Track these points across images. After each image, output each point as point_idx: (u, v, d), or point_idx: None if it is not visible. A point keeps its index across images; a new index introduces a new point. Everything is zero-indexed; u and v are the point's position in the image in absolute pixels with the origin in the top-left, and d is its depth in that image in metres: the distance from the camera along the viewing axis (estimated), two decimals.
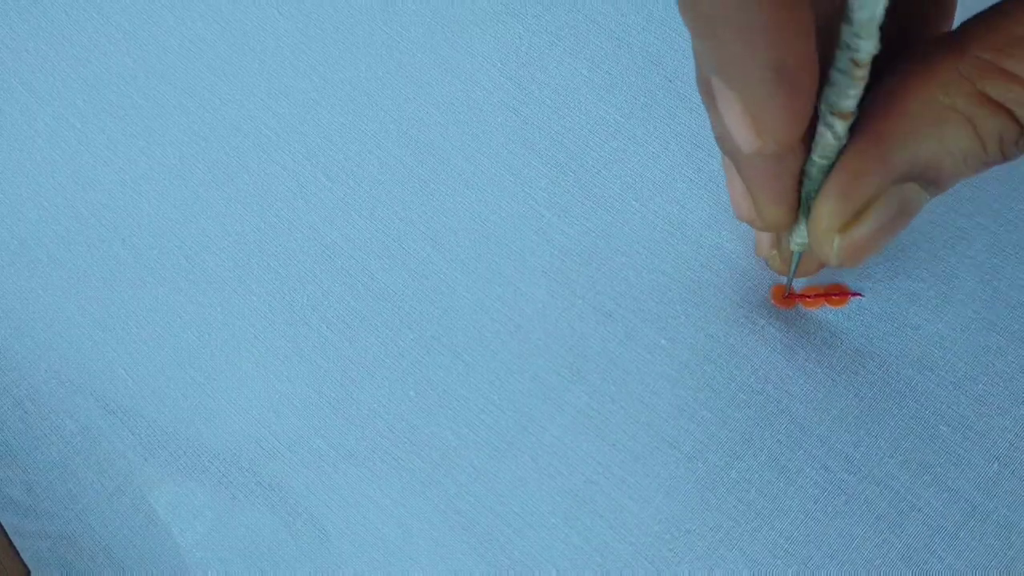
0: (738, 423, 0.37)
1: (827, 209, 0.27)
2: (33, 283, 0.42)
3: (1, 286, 0.42)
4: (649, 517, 0.36)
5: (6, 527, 0.39)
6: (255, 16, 0.46)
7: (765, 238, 0.36)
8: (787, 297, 0.38)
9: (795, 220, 0.31)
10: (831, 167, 0.27)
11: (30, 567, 0.38)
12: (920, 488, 0.35)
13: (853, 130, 0.26)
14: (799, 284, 0.38)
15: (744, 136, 0.25)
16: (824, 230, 0.28)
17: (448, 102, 0.43)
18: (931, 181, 0.26)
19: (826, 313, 0.38)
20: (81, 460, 0.39)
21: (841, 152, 0.27)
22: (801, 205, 0.30)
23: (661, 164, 0.41)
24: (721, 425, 0.37)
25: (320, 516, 0.37)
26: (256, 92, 0.44)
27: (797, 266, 0.35)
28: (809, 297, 0.38)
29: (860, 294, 0.38)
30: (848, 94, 0.25)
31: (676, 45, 0.42)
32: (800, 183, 0.29)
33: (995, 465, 0.35)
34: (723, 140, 0.29)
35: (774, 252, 0.36)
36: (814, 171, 0.28)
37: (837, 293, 0.38)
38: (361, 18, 0.45)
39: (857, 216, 0.27)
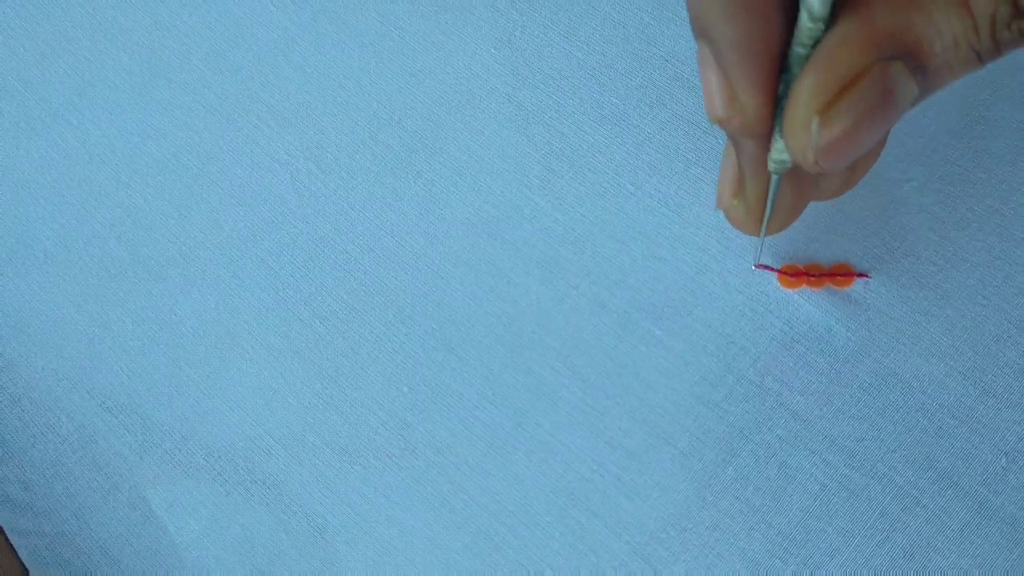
0: (736, 418, 0.35)
1: (807, 83, 0.25)
2: (29, 280, 0.42)
3: None
4: (645, 515, 0.35)
5: (3, 525, 0.39)
6: (248, 8, 0.45)
7: (727, 185, 0.33)
8: (760, 265, 0.37)
9: (773, 117, 0.27)
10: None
11: (27, 565, 0.38)
12: (925, 484, 0.34)
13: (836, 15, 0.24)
14: (768, 247, 0.37)
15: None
16: (803, 110, 0.25)
17: (441, 90, 0.42)
18: (918, 64, 0.24)
19: (829, 299, 0.36)
20: (78, 458, 0.39)
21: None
22: (779, 116, 0.27)
23: (657, 145, 0.40)
24: (718, 420, 0.36)
25: (315, 513, 0.37)
26: (249, 85, 0.44)
27: (770, 213, 0.32)
28: (813, 277, 0.37)
29: (866, 275, 0.37)
30: None
31: (672, 24, 0.41)
32: (780, 78, 0.27)
33: (1003, 460, 0.34)
34: (697, 21, 0.26)
35: (736, 202, 0.33)
36: (795, 64, 0.26)
37: (842, 274, 0.37)
38: (354, 7, 0.44)
39: (839, 95, 0.25)
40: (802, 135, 0.25)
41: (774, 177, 0.30)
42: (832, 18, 0.24)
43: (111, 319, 0.41)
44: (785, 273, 0.37)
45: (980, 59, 0.25)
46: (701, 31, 0.26)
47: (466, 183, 0.40)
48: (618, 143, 0.40)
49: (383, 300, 0.39)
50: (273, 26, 0.45)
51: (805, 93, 0.25)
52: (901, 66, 0.24)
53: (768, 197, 0.32)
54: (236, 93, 0.44)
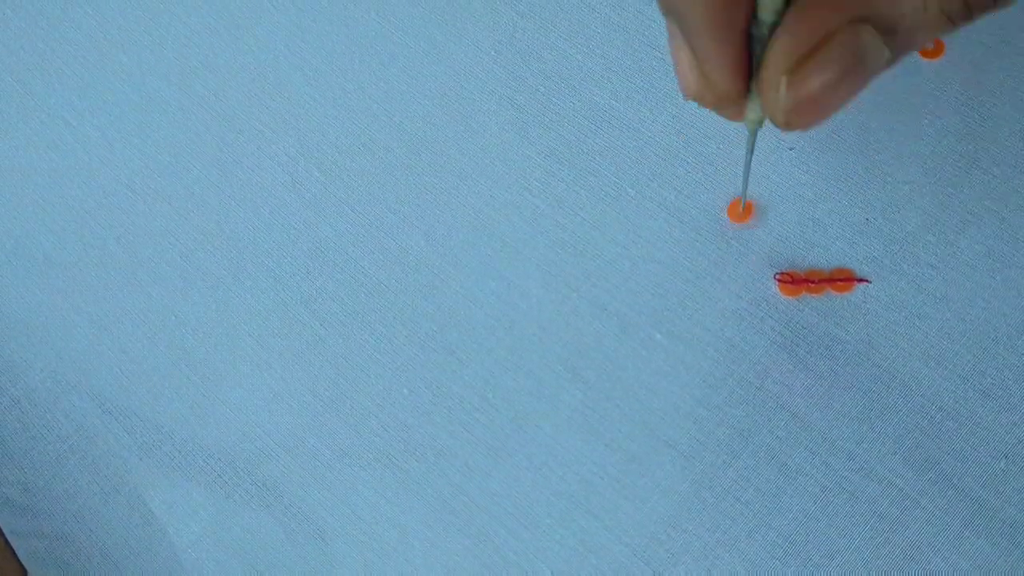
0: (736, 420, 0.36)
1: (778, 45, 0.25)
2: (29, 282, 0.42)
3: None
4: (645, 517, 0.35)
5: (3, 527, 0.39)
6: (249, 10, 0.45)
7: (687, 72, 0.29)
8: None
9: (746, 89, 0.27)
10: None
11: (26, 566, 0.38)
12: (924, 486, 0.34)
13: None
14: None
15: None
16: (774, 71, 0.25)
17: (441, 92, 0.42)
18: (888, 26, 0.24)
19: (830, 302, 0.37)
20: (77, 459, 0.39)
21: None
22: (753, 75, 0.27)
23: (657, 149, 0.40)
24: (719, 423, 0.36)
25: (315, 516, 0.37)
26: (250, 86, 0.44)
27: (752, 145, 0.32)
28: (813, 283, 0.37)
29: (867, 280, 0.37)
30: None
31: None
32: (750, 51, 0.26)
33: (1002, 462, 0.34)
34: (666, 2, 0.26)
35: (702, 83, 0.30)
36: (763, 32, 0.25)
37: (843, 279, 0.37)
38: (354, 9, 0.44)
39: (808, 57, 0.24)
40: (773, 95, 0.25)
41: (750, 133, 0.30)
42: None
43: (110, 321, 0.41)
44: (785, 281, 0.37)
45: (952, 21, 0.24)
46: (668, 7, 0.26)
47: (466, 186, 0.40)
48: (619, 147, 0.40)
49: (383, 302, 0.39)
50: (273, 27, 0.45)
51: (776, 54, 0.25)
52: (870, 28, 0.24)
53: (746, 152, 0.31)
54: (236, 94, 0.44)
